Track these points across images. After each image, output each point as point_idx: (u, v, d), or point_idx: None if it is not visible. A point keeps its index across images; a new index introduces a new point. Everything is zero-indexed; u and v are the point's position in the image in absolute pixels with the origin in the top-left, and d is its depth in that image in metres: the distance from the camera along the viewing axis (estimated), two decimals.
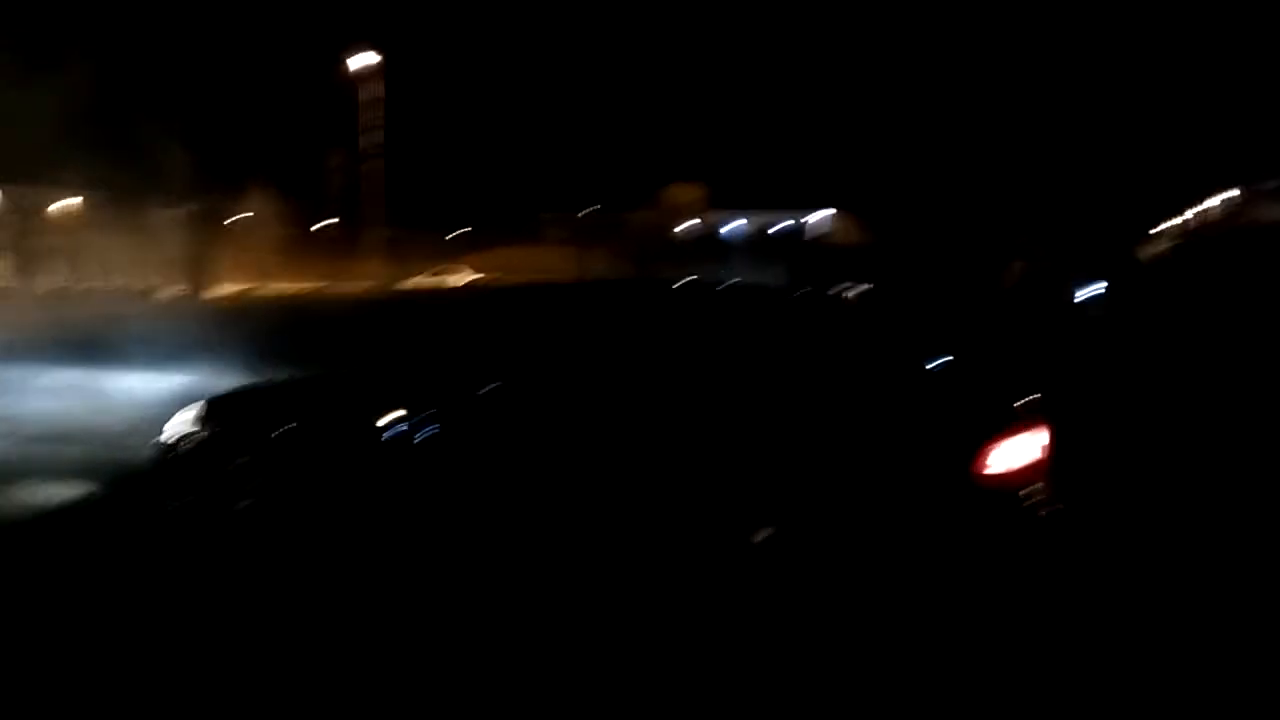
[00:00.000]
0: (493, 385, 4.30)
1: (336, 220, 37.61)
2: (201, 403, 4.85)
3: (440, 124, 42.76)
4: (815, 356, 4.29)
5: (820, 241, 38.55)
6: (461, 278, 32.92)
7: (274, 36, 44.68)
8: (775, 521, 3.81)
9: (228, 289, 29.05)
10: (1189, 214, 41.08)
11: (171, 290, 25.67)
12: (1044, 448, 3.88)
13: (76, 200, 29.36)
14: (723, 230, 56.52)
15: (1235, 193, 33.80)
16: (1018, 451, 3.80)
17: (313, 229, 36.95)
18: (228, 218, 32.66)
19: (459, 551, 4.10)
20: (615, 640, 3.61)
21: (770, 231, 53.05)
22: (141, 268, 26.71)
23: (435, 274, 33.08)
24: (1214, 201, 37.47)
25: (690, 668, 3.41)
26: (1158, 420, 8.07)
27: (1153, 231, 38.19)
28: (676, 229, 54.39)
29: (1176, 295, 13.98)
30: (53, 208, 28.78)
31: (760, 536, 3.77)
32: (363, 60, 26.79)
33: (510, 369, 4.38)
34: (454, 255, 38.37)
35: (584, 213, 51.89)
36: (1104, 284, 19.47)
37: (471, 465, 4.20)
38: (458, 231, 46.76)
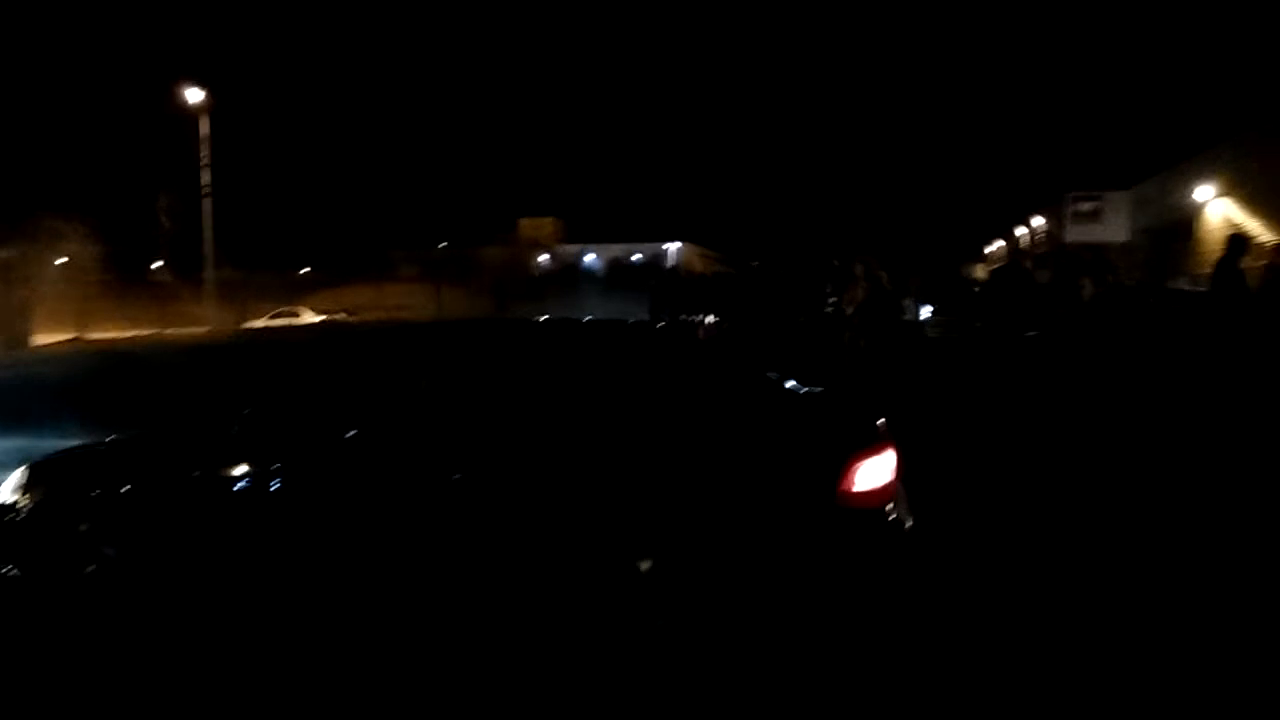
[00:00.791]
0: (347, 432, 4.09)
1: (164, 263, 35.53)
2: (24, 468, 4.40)
3: (278, 162, 41.20)
4: (678, 388, 4.32)
5: (678, 272, 39.24)
6: (304, 319, 31.64)
7: (95, 76, 42.04)
8: (651, 550, 3.76)
9: (50, 339, 26.90)
10: (1017, 234, 44.13)
11: None
12: (894, 468, 4.01)
13: None
14: (584, 262, 56.92)
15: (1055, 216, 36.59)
16: (877, 471, 3.89)
17: (142, 273, 34.74)
18: (46, 264, 30.32)
19: (315, 601, 3.88)
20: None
21: (629, 261, 53.78)
22: None
23: (275, 316, 31.66)
24: (1038, 222, 40.37)
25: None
26: (981, 433, 8.72)
27: (985, 252, 40.88)
28: (533, 262, 54.35)
29: (998, 316, 14.93)
30: None
31: (640, 566, 3.72)
32: (190, 96, 25.51)
33: (365, 414, 4.17)
34: (296, 296, 36.86)
35: (435, 248, 51.08)
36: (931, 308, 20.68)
37: (326, 515, 3.96)
38: (301, 271, 45.07)
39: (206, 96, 25.95)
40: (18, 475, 4.37)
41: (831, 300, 18.27)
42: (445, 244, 52.95)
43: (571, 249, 58.94)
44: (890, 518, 3.91)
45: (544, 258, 56.31)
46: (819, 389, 4.55)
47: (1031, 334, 14.10)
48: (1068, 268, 17.19)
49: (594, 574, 3.63)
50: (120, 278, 32.42)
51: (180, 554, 3.95)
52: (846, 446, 3.85)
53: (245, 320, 29.60)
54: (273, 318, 31.36)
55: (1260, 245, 17.39)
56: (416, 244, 51.76)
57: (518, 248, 55.93)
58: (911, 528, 4.07)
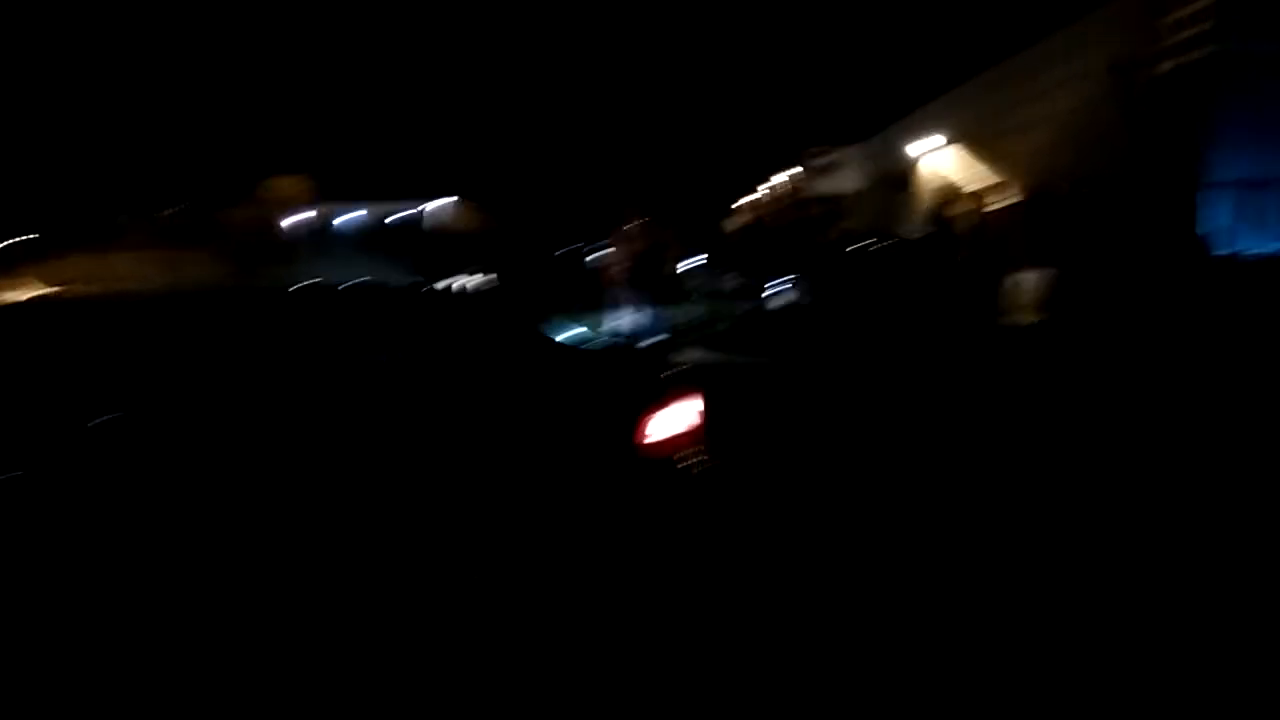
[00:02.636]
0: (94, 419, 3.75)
1: None
2: None
3: None
4: (451, 351, 4.32)
5: (440, 231, 38.28)
6: (23, 292, 28.09)
7: None
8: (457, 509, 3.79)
9: None
10: (762, 189, 46.68)
11: None
12: (699, 414, 4.31)
13: None
14: (336, 222, 53.95)
15: (798, 170, 39.01)
16: (672, 420, 4.03)
17: None
18: None
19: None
20: None
21: (388, 221, 51.62)
22: None
23: None
24: (782, 177, 42.89)
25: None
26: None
27: (734, 207, 42.94)
28: (283, 224, 50.94)
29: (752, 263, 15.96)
30: None
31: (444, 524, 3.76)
32: None
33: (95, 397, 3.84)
34: (11, 267, 32.63)
35: (169, 211, 46.65)
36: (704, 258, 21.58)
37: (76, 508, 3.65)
38: (14, 240, 39.87)
39: None
40: None
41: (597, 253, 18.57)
42: (182, 206, 48.52)
43: (326, 209, 55.85)
44: (682, 465, 4.18)
45: (295, 219, 52.99)
46: (606, 346, 4.78)
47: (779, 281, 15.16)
48: (799, 219, 18.59)
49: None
50: None
51: None
52: (638, 401, 4.06)
53: None
54: None
55: (968, 194, 19.50)
56: (150, 206, 47.06)
57: (266, 208, 52.23)
58: (713, 470, 4.36)
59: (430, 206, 51.90)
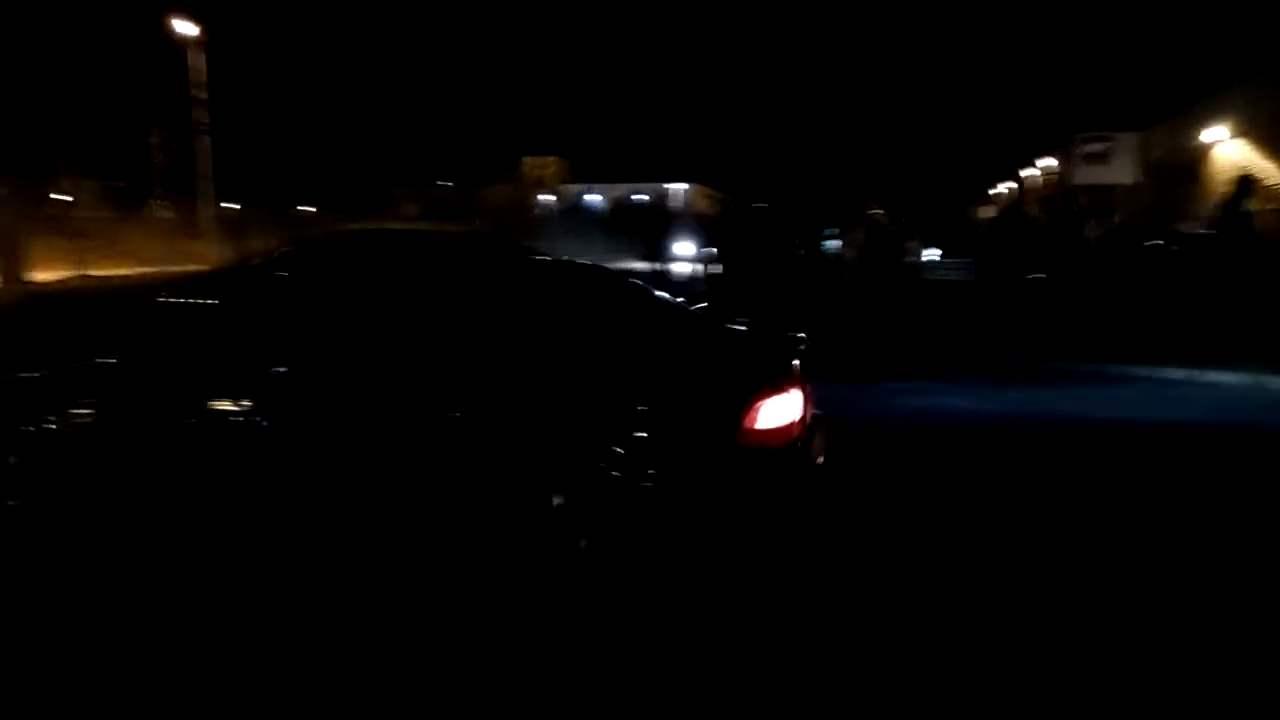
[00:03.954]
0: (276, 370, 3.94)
1: (164, 200, 35.23)
2: None
3: (279, 97, 40.60)
4: (590, 327, 4.18)
5: (676, 213, 38.87)
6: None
7: (80, 9, 41.26)
8: (559, 483, 3.73)
9: (47, 276, 26.78)
10: (1025, 175, 43.42)
11: None
12: (801, 406, 3.98)
13: None
14: (584, 201, 56.40)
15: (1063, 157, 35.89)
16: (781, 410, 3.87)
17: (139, 209, 34.47)
18: (42, 200, 30.09)
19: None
20: None
21: (634, 200, 53.25)
22: None
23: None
24: (1047, 164, 39.68)
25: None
26: None
27: (990, 194, 40.21)
28: (534, 201, 53.83)
29: (1000, 259, 14.73)
30: None
31: (553, 499, 3.72)
32: (183, 31, 24.99)
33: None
34: (296, 232, 36.59)
35: (438, 186, 50.54)
36: None
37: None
38: (300, 209, 44.74)
39: (200, 30, 25.45)
40: None
41: (831, 241, 17.98)
42: (449, 182, 52.44)
43: (575, 188, 58.36)
44: (795, 454, 3.92)
45: (546, 197, 55.75)
46: (738, 328, 4.49)
47: (1034, 276, 13.95)
48: (1068, 210, 16.90)
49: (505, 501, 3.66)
50: (118, 215, 32.20)
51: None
52: (750, 386, 3.81)
53: (244, 256, 29.32)
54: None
55: (1269, 188, 17.07)
56: (419, 182, 51.30)
57: (520, 186, 55.38)
58: (822, 464, 4.12)
59: (675, 189, 52.83)
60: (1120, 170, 31.30)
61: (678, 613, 3.69)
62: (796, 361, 4.22)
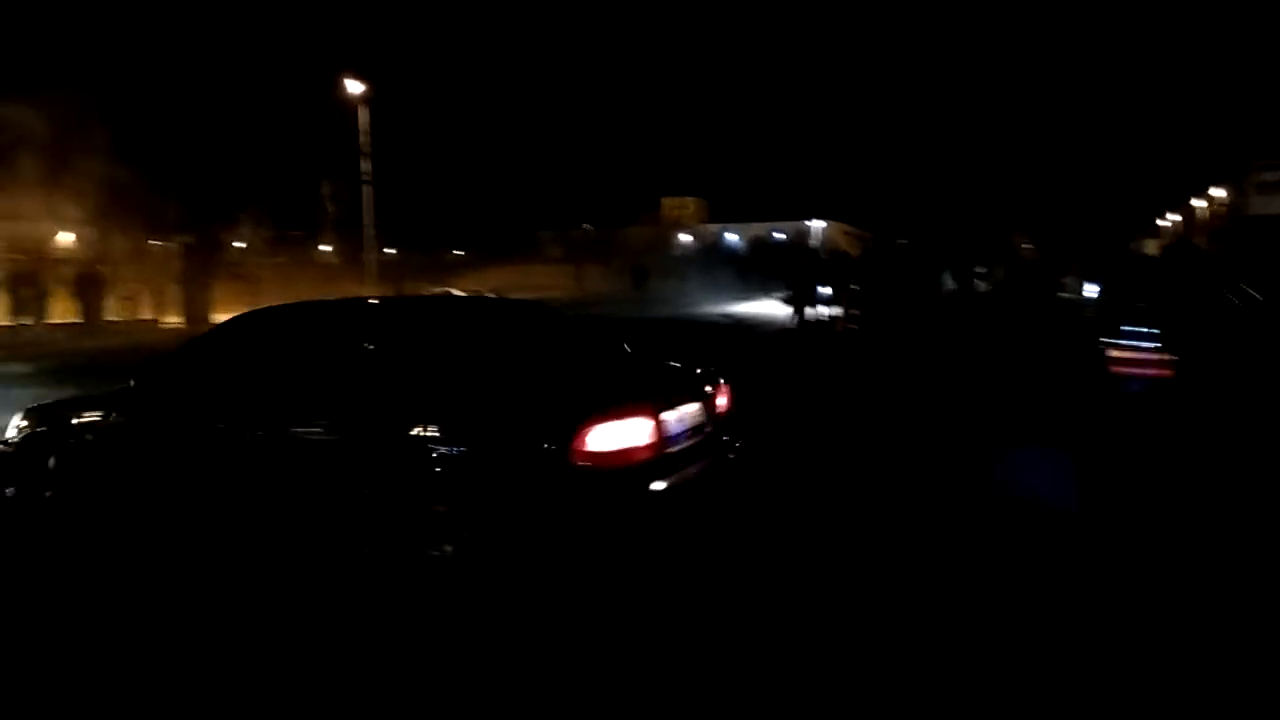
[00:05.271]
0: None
1: (329, 247, 37.70)
2: (22, 410, 5.56)
3: (433, 147, 42.87)
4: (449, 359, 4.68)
5: (818, 253, 38.56)
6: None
7: (258, 71, 44.94)
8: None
9: (222, 317, 29.00)
10: (1195, 206, 40.91)
11: (174, 320, 25.82)
12: (648, 433, 4.25)
13: (71, 236, 29.48)
14: (722, 240, 56.79)
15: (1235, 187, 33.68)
16: (619, 435, 4.17)
17: (309, 255, 37.05)
18: (221, 249, 32.76)
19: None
20: None
21: (774, 239, 53.25)
22: (142, 300, 26.77)
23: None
24: (1217, 194, 37.31)
25: None
26: None
27: (1158, 224, 38.08)
28: (674, 242, 54.61)
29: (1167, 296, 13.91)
30: (51, 244, 28.91)
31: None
32: (351, 88, 26.89)
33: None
34: (447, 277, 38.41)
35: (580, 229, 52.01)
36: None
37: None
38: (453, 253, 46.86)
39: (366, 88, 27.32)
40: (17, 418, 5.52)
41: (979, 276, 17.39)
42: (588, 225, 53.92)
43: (713, 228, 58.83)
44: (634, 478, 4.16)
45: (685, 237, 56.41)
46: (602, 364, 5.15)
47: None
48: (1255, 242, 15.76)
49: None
50: (290, 260, 34.69)
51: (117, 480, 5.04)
52: (583, 413, 4.12)
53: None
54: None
55: None
56: (563, 225, 53.00)
57: (659, 227, 56.32)
58: (667, 489, 4.27)
59: (814, 226, 52.51)
60: None
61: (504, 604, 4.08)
62: (684, 395, 4.65)
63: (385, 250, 32.89)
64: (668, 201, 60.49)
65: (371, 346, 4.68)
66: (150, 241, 30.94)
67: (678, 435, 4.46)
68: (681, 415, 4.53)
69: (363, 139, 27.67)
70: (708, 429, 4.74)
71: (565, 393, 4.40)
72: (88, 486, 5.15)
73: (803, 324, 17.98)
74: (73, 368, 13.42)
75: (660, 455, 4.29)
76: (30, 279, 16.94)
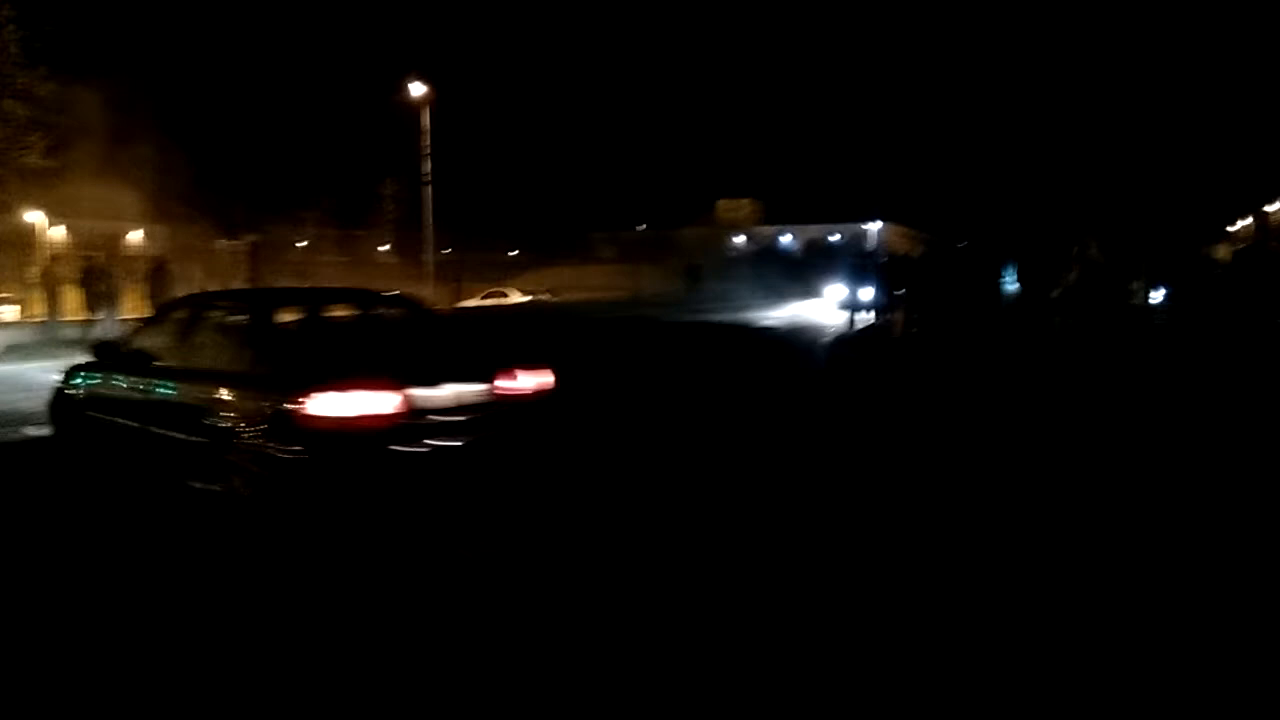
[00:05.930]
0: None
1: (389, 246, 38.32)
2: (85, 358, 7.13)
3: (491, 148, 43.37)
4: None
5: (875, 255, 38.08)
6: (511, 299, 33.17)
7: (322, 74, 45.92)
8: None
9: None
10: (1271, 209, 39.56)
11: None
12: (384, 404, 5.04)
13: (138, 234, 30.43)
14: (777, 242, 56.44)
15: None
16: (349, 403, 5.00)
17: (370, 255, 37.74)
18: (286, 248, 33.53)
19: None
20: None
21: (830, 241, 52.76)
22: None
23: (486, 296, 33.33)
24: None
25: None
26: None
27: (1230, 230, 36.85)
28: (729, 243, 54.43)
29: (1244, 303, 13.39)
30: (121, 241, 29.89)
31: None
32: (413, 90, 27.29)
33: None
34: (505, 277, 38.75)
35: (635, 230, 52.15)
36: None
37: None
38: (510, 253, 47.25)
39: (428, 90, 27.71)
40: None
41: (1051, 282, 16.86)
42: (644, 225, 53.99)
43: (769, 230, 58.51)
44: (371, 439, 5.03)
45: (740, 238, 56.21)
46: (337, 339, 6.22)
47: None
48: None
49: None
50: (351, 259, 35.34)
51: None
52: (308, 383, 5.00)
53: (461, 298, 31.45)
54: (484, 298, 33.06)
55: None
56: (617, 225, 53.17)
57: (715, 228, 56.19)
58: (418, 454, 5.11)
59: (870, 228, 51.93)
60: None
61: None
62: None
63: (443, 251, 33.34)
64: (723, 203, 60.30)
65: (224, 323, 6.04)
66: (218, 240, 31.86)
67: (436, 409, 5.29)
68: (446, 394, 5.36)
69: (424, 141, 28.10)
70: (489, 408, 5.51)
71: (309, 366, 5.35)
72: (86, 415, 6.79)
73: (860, 329, 17.70)
74: None
75: (405, 423, 5.12)
76: (102, 275, 17.45)
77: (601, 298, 33.07)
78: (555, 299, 33.49)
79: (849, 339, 17.49)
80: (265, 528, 5.05)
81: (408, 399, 5.06)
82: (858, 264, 22.17)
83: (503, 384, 5.59)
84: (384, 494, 5.11)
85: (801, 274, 36.13)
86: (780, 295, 32.67)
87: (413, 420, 5.10)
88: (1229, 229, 45.50)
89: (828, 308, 24.07)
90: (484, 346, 6.60)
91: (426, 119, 28.12)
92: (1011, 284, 16.16)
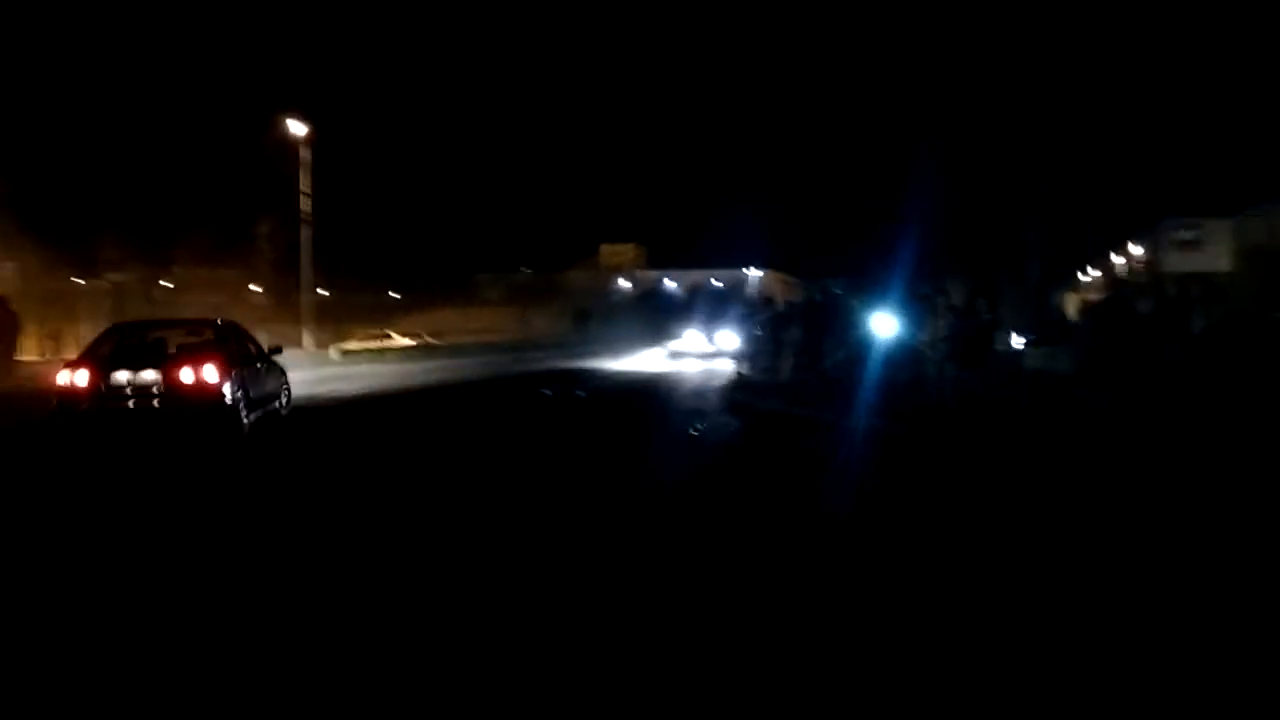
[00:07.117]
0: None
1: (261, 289, 36.92)
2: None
3: (370, 187, 42.55)
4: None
5: (756, 298, 39.17)
6: (394, 342, 32.46)
7: (197, 108, 44.28)
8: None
9: None
10: (1112, 264, 42.68)
11: None
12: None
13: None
14: (660, 287, 57.29)
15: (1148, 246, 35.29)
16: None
17: (242, 295, 36.22)
18: (154, 287, 31.91)
19: None
20: None
21: (712, 285, 53.91)
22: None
23: (369, 337, 32.50)
24: (1135, 251, 38.94)
25: None
26: None
27: (1080, 281, 39.54)
28: (613, 287, 54.90)
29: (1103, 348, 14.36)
30: None
31: None
32: (293, 129, 26.51)
33: None
34: (386, 318, 37.85)
35: (520, 272, 51.97)
36: None
37: None
38: (390, 294, 46.22)
39: (308, 129, 27.00)
40: None
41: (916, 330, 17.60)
42: (528, 269, 53.86)
43: (652, 274, 59.31)
44: (74, 404, 8.92)
45: (625, 283, 56.79)
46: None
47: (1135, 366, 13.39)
48: (1174, 298, 16.46)
49: None
50: (224, 299, 33.81)
51: None
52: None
53: (341, 339, 30.49)
54: (367, 339, 32.19)
55: None
56: (500, 268, 52.85)
57: (599, 272, 56.63)
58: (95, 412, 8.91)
59: (751, 274, 53.39)
60: (1212, 257, 30.73)
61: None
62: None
63: (321, 291, 32.34)
64: (606, 247, 60.83)
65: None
66: (77, 280, 30.04)
67: (123, 387, 8.97)
68: (130, 377, 8.98)
69: (302, 179, 27.32)
70: (162, 390, 8.98)
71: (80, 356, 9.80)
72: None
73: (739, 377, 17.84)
74: None
75: (97, 395, 8.91)
76: None
77: (490, 340, 32.70)
78: (439, 342, 32.92)
79: (757, 387, 16.60)
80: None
81: (97, 378, 8.98)
82: (749, 309, 22.69)
83: (176, 374, 9.12)
84: (81, 445, 8.70)
85: (686, 318, 36.82)
86: (666, 336, 33.18)
87: (105, 394, 8.93)
88: (1080, 277, 48.85)
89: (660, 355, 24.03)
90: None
91: (307, 155, 27.35)
92: (887, 329, 16.72)
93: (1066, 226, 34.01)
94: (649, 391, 16.51)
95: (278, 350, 11.38)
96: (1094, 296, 27.89)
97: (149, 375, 8.84)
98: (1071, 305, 32.28)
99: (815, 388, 15.37)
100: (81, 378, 8.78)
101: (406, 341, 32.72)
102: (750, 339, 19.01)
